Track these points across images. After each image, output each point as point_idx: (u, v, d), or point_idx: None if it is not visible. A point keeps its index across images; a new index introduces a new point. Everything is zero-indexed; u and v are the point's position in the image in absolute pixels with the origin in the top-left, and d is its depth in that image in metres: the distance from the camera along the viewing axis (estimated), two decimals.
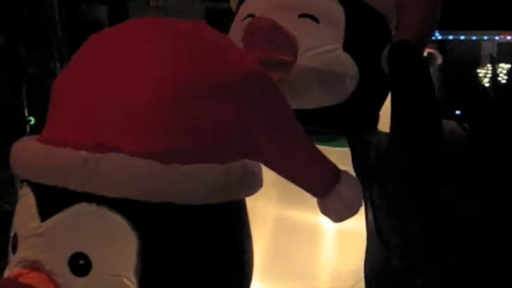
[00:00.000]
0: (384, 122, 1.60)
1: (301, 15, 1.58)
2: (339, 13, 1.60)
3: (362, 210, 1.49)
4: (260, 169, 1.17)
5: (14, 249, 1.10)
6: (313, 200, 1.29)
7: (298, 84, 1.52)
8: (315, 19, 1.58)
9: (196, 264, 1.08)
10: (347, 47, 1.58)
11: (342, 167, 1.31)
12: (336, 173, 1.26)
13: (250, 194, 1.16)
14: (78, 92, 1.10)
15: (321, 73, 1.55)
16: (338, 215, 1.27)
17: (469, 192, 1.46)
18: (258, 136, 1.14)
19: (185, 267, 1.08)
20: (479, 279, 1.46)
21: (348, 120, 1.61)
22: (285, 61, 1.42)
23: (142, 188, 1.02)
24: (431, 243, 1.48)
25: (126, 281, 1.04)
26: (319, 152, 1.24)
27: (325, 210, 1.27)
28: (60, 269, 1.04)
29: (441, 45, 10.99)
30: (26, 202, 1.10)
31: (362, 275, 1.56)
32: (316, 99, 1.56)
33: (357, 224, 1.53)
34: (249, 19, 1.58)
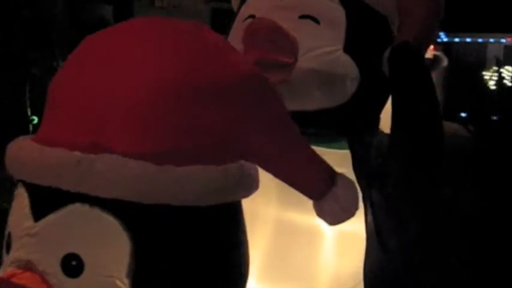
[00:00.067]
0: (385, 122, 1.59)
1: (302, 16, 1.58)
2: (339, 14, 1.59)
3: (361, 212, 1.49)
4: (257, 171, 1.16)
5: (8, 248, 1.10)
6: None
7: (298, 86, 1.51)
8: (316, 20, 1.58)
9: (190, 266, 1.08)
10: (348, 48, 1.57)
11: (341, 169, 1.30)
12: (332, 176, 1.25)
13: (246, 195, 1.15)
14: (74, 91, 1.10)
15: (321, 74, 1.54)
16: (334, 217, 1.26)
17: (470, 193, 1.46)
18: (256, 137, 1.14)
19: (179, 269, 1.07)
20: (479, 279, 1.46)
21: (349, 122, 1.60)
22: (285, 62, 1.42)
23: (135, 189, 1.02)
24: (431, 244, 1.47)
25: (118, 282, 1.03)
26: (315, 153, 1.23)
27: (321, 213, 1.26)
28: (53, 269, 1.03)
29: (447, 48, 10.99)
30: (20, 202, 1.10)
31: (361, 277, 1.56)
32: (316, 100, 1.56)
33: (357, 226, 1.53)
34: (250, 20, 1.57)
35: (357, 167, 1.53)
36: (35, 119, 5.74)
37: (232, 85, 1.11)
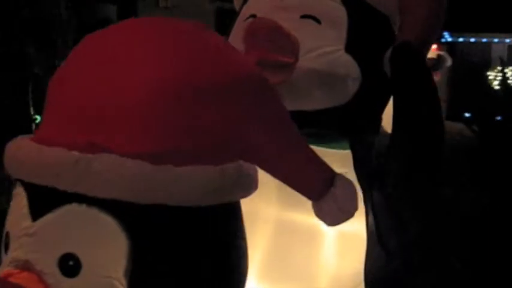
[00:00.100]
0: (386, 122, 1.59)
1: (303, 16, 1.58)
2: (341, 14, 1.59)
3: (362, 212, 1.48)
4: (256, 171, 1.16)
5: (6, 248, 1.10)
6: None
7: (299, 86, 1.51)
8: (317, 20, 1.58)
9: (187, 266, 1.07)
10: (349, 48, 1.57)
11: (341, 169, 1.30)
12: (331, 176, 1.24)
13: (245, 196, 1.15)
14: (73, 90, 1.10)
15: (322, 75, 1.54)
16: (333, 218, 1.26)
17: (470, 193, 1.46)
18: (256, 137, 1.13)
19: (176, 269, 1.07)
20: (479, 279, 1.45)
21: (350, 122, 1.60)
22: (285, 62, 1.41)
23: (132, 188, 1.02)
24: (431, 244, 1.47)
25: (116, 282, 1.03)
26: (314, 154, 1.23)
27: (320, 213, 1.26)
28: (51, 269, 1.03)
29: (451, 48, 10.98)
30: (19, 202, 1.10)
31: (362, 277, 1.56)
32: (317, 101, 1.55)
33: (357, 226, 1.52)
34: (251, 19, 1.57)
35: (358, 167, 1.53)
36: (38, 118, 5.74)
37: (233, 85, 1.11)
